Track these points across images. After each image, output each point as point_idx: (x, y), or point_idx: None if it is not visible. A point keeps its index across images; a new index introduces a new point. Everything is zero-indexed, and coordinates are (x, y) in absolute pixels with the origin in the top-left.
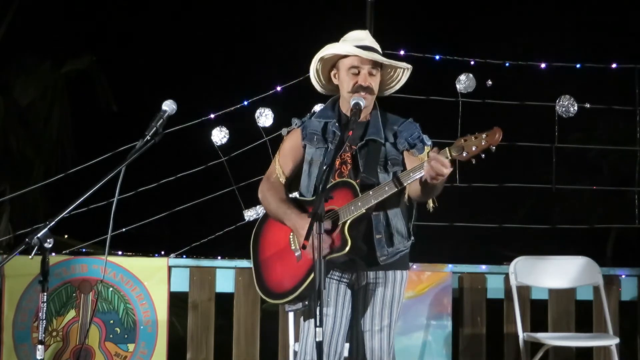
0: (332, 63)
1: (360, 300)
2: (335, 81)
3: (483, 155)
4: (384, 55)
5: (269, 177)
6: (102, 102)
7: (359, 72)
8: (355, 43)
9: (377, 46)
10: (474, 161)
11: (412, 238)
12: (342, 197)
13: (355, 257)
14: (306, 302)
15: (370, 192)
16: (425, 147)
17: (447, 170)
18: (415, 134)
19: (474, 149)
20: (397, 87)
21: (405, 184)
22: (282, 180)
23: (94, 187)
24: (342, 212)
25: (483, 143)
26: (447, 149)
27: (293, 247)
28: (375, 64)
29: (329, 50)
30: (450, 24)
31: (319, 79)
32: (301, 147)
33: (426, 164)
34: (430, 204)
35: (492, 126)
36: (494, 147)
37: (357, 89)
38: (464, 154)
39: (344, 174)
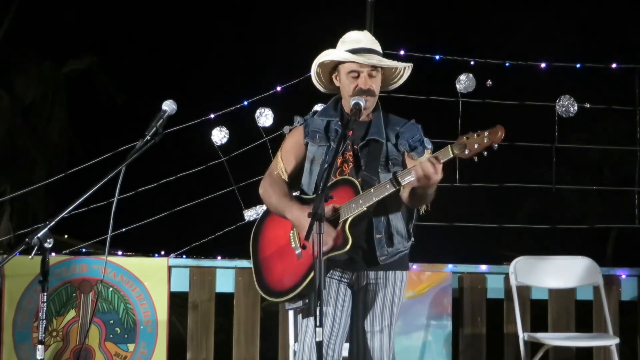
0: (332, 66)
1: (361, 301)
2: (337, 83)
3: (485, 153)
4: (384, 54)
5: (270, 174)
6: (104, 99)
7: (358, 75)
8: (353, 46)
9: (376, 45)
10: (476, 159)
11: (412, 239)
12: (343, 194)
13: (355, 256)
14: (306, 300)
15: (372, 190)
16: (426, 151)
17: (436, 176)
18: (417, 137)
19: (476, 146)
20: (401, 82)
21: (403, 183)
22: (284, 177)
23: (94, 187)
24: (343, 210)
25: (485, 141)
26: (449, 146)
27: (293, 245)
28: (375, 66)
29: (327, 56)
30: (450, 24)
31: (320, 80)
32: (303, 144)
33: (418, 164)
34: (423, 206)
35: (493, 126)
36: (496, 145)
37: (358, 92)
38: (466, 152)
39: (345, 172)
